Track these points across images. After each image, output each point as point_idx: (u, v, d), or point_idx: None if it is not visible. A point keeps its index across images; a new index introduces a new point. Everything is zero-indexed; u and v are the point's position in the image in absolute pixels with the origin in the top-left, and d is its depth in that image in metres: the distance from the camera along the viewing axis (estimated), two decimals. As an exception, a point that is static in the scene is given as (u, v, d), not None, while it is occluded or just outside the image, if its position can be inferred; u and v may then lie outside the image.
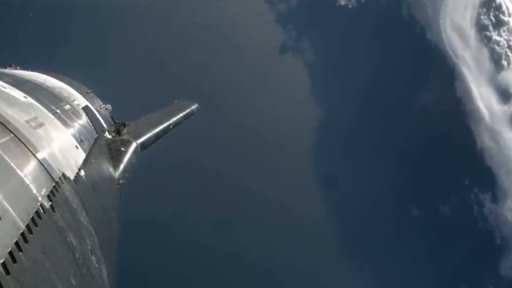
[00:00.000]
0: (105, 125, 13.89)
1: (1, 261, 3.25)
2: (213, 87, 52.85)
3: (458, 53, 59.92)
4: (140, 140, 13.75)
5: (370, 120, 59.11)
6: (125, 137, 14.05)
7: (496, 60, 60.22)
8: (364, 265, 56.30)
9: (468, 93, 59.27)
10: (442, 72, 60.06)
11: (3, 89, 7.01)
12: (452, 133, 59.33)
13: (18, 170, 4.69)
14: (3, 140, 4.94)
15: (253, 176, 53.95)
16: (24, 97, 7.43)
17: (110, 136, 13.51)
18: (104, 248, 6.68)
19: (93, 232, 6.25)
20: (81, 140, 8.60)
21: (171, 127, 15.85)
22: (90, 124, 11.27)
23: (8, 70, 11.80)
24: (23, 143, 5.34)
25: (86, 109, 12.06)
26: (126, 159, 12.21)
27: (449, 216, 59.19)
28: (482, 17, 60.58)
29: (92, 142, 9.70)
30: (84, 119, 10.94)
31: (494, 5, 60.29)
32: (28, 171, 4.91)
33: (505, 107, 59.75)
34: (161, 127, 15.64)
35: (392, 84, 59.26)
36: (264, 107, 56.25)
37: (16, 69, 12.39)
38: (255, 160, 55.36)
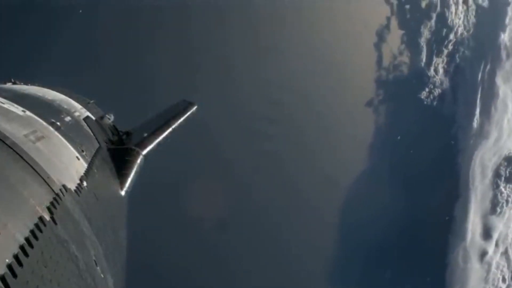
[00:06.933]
0: (107, 135, 13.89)
1: (1, 276, 3.23)
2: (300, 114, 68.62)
3: (474, 183, 72.34)
4: (144, 149, 13.71)
5: (391, 194, 69.08)
6: (128, 145, 14.01)
7: (494, 205, 72.18)
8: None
9: (464, 215, 71.07)
10: (456, 189, 72.75)
11: (2, 105, 7.03)
12: (437, 236, 70.06)
13: (16, 185, 4.68)
14: (1, 155, 4.94)
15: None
16: (23, 111, 7.44)
17: (113, 146, 13.50)
18: (109, 257, 6.67)
19: (97, 242, 6.23)
20: (83, 151, 8.59)
21: (172, 130, 15.71)
22: (92, 134, 11.27)
23: (8, 85, 11.84)
24: (21, 157, 5.33)
25: (87, 120, 12.06)
26: (130, 168, 12.19)
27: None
28: (501, 167, 73.22)
29: (94, 153, 9.69)
30: (85, 130, 10.94)
31: (513, 164, 74.20)
32: (27, 184, 4.90)
33: (482, 242, 70.85)
34: (164, 133, 15.55)
35: (416, 176, 71.92)
36: (327, 138, 71.13)
37: (15, 83, 12.43)
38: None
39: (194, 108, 17.62)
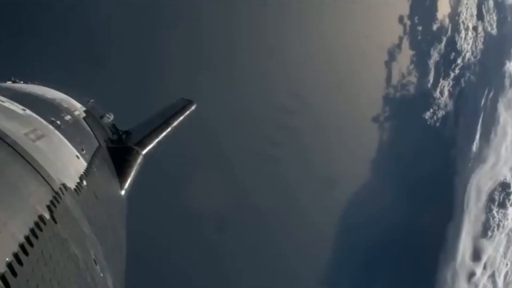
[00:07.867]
0: (107, 134, 13.87)
1: (1, 275, 3.21)
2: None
3: (469, 205, 74.43)
4: (143, 149, 13.66)
5: (387, 208, 70.35)
6: (128, 145, 13.98)
7: (486, 228, 74.41)
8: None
9: (456, 235, 73.18)
10: (450, 210, 74.80)
11: (1, 103, 7.01)
12: (429, 254, 71.71)
13: (16, 183, 4.66)
14: (1, 154, 4.92)
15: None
16: (23, 109, 7.42)
17: (113, 145, 13.48)
18: (109, 256, 6.65)
19: (97, 241, 6.21)
20: (82, 150, 8.58)
21: (171, 129, 15.65)
22: (92, 133, 11.25)
23: (8, 84, 11.81)
24: (21, 155, 5.31)
25: (87, 119, 12.04)
26: (130, 167, 12.17)
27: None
28: (495, 192, 75.20)
29: (94, 152, 9.67)
30: (85, 129, 10.92)
31: (507, 190, 75.32)
32: (27, 183, 4.88)
33: (471, 264, 72.79)
34: (164, 132, 15.50)
35: (413, 193, 73.55)
36: (331, 148, 73.11)
37: (15, 82, 12.40)
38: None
39: (193, 106, 17.53)
